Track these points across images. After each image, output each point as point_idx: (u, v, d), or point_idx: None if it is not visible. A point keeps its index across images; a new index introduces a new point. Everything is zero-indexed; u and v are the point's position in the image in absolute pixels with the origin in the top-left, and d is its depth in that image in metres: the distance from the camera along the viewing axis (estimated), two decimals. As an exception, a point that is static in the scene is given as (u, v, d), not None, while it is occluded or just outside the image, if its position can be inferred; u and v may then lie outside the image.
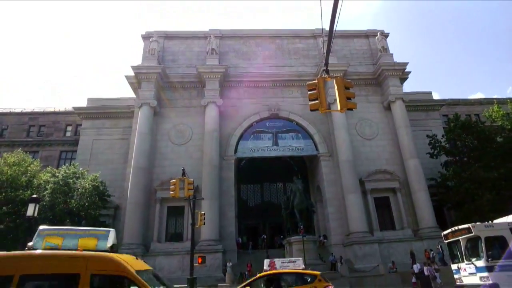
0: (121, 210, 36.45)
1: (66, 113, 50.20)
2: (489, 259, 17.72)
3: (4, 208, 30.25)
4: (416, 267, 26.21)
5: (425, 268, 25.68)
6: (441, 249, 30.70)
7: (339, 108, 12.19)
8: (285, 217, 32.92)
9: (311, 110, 12.79)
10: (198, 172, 35.36)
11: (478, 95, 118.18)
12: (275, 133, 40.51)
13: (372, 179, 37.88)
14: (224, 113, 39.87)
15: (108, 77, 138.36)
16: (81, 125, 45.50)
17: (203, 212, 26.64)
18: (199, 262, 24.59)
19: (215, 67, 40.31)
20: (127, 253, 28.51)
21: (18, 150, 37.13)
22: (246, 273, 28.65)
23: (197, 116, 39.49)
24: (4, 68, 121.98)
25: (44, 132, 49.50)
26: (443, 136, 41.18)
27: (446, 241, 21.05)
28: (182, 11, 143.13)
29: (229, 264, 29.75)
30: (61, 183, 33.24)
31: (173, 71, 41.58)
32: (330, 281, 16.81)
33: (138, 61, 41.60)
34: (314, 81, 12.69)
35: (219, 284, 26.68)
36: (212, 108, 38.81)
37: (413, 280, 25.55)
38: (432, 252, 31.11)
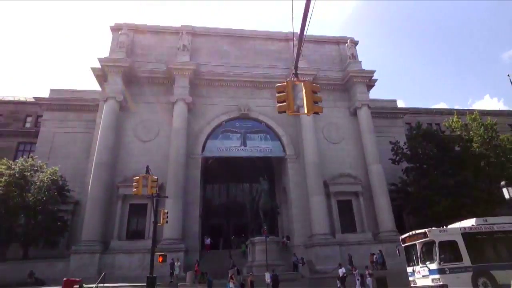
0: (81, 206, 35.18)
1: (26, 103, 48.00)
2: (441, 262, 18.65)
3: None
4: (341, 271, 26.51)
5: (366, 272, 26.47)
6: (381, 253, 32.02)
7: (306, 111, 12.36)
8: (250, 217, 33.02)
9: (279, 112, 12.90)
10: (163, 170, 34.68)
11: (441, 105, 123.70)
12: (244, 134, 40.51)
13: (336, 182, 38.72)
14: (193, 111, 39.46)
15: (74, 68, 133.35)
16: (42, 116, 43.52)
17: (166, 210, 26.23)
18: (160, 261, 24.16)
19: (186, 64, 39.76)
20: (85, 251, 27.72)
21: (-29, 139, 35.09)
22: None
23: (165, 112, 38.77)
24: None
25: (1, 122, 46.99)
26: (405, 143, 42.80)
27: (404, 245, 21.91)
28: (154, 5, 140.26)
29: (177, 264, 28.88)
30: (17, 175, 31.81)
31: (142, 66, 40.53)
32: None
33: (106, 54, 40.27)
34: (283, 84, 12.81)
35: (179, 284, 26.32)
36: (181, 105, 38.25)
37: (338, 284, 25.72)
38: (375, 255, 32.23)
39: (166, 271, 28.25)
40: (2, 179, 31.19)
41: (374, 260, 31.76)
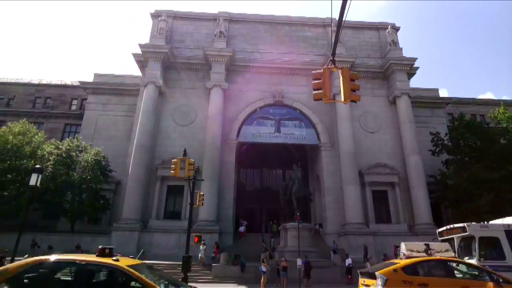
0: (122, 186, 36.96)
1: (72, 87, 50.49)
2: (481, 259, 18.00)
3: (8, 175, 30.91)
4: (347, 261, 25.96)
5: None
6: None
7: (342, 100, 12.21)
8: (283, 203, 33.29)
9: (315, 100, 12.73)
10: (199, 154, 35.63)
11: (488, 95, 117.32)
12: (278, 120, 40.60)
13: (372, 172, 38.12)
14: (229, 97, 39.91)
15: (117, 54, 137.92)
16: (86, 99, 45.77)
17: (202, 193, 26.99)
18: (195, 241, 25.08)
19: (222, 51, 40.16)
20: (125, 228, 29.13)
21: (24, 120, 37.58)
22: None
23: (202, 98, 39.57)
24: (16, 40, 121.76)
25: (49, 104, 49.87)
26: (446, 134, 41.18)
27: (441, 239, 21.29)
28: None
29: (202, 247, 28.60)
30: (64, 155, 33.82)
31: (180, 52, 41.44)
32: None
33: (146, 40, 41.52)
34: (319, 71, 12.63)
35: (213, 264, 27.24)
36: (217, 91, 38.85)
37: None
38: (398, 248, 31.46)
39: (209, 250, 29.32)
40: (51, 158, 33.33)
41: (398, 252, 31.22)
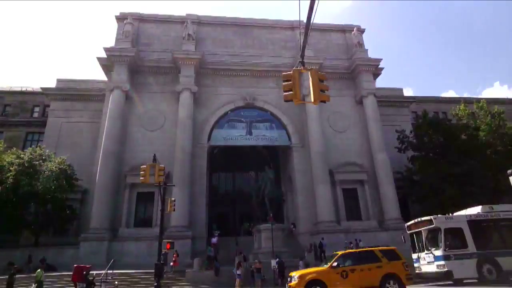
0: (90, 195, 35.67)
1: (33, 93, 48.25)
2: (447, 249, 18.81)
3: (-36, 189, 29.07)
4: (273, 262, 24.20)
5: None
6: (357, 242, 31.71)
7: (312, 100, 12.34)
8: (256, 205, 33.29)
9: (285, 101, 12.82)
10: (170, 159, 34.98)
11: (450, 93, 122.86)
12: (249, 123, 40.62)
13: (342, 171, 38.90)
14: (199, 100, 39.54)
15: (81, 58, 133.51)
16: (49, 106, 43.87)
17: (173, 198, 26.53)
18: (168, 247, 24.58)
19: (191, 53, 39.75)
20: (94, 238, 28.12)
21: (-20, 129, 35.57)
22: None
23: (171, 102, 38.93)
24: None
25: (9, 112, 47.42)
26: (411, 131, 42.65)
27: (409, 232, 22.04)
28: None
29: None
30: (26, 165, 32.22)
31: (147, 55, 40.63)
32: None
33: (112, 43, 40.39)
34: (289, 72, 12.73)
35: (187, 270, 26.78)
36: (186, 94, 38.36)
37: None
38: (351, 244, 32.27)
39: (171, 258, 28.58)
40: (12, 168, 31.68)
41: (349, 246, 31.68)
